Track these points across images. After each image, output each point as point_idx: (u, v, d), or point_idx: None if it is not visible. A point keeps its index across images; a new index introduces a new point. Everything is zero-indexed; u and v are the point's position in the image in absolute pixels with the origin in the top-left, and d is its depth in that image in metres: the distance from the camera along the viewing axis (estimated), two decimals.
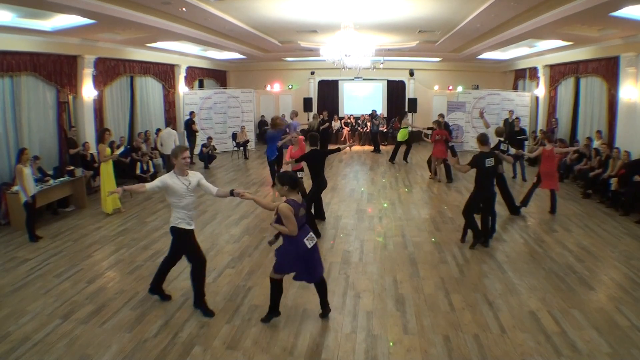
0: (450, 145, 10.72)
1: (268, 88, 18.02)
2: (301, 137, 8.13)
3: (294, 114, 12.46)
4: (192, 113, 13.40)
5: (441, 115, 11.93)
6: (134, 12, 7.17)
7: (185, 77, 14.32)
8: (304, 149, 7.50)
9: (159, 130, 12.29)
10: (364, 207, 8.34)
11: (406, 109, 15.95)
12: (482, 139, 6.18)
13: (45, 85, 8.83)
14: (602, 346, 3.87)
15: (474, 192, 6.27)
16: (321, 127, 13.60)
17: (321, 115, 14.59)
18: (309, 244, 4.07)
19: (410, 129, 12.78)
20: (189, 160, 4.34)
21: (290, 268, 4.15)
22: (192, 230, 4.41)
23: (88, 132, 9.77)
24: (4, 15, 6.91)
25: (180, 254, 4.57)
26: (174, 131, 11.12)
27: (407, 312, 4.49)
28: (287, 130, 10.59)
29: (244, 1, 7.64)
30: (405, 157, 12.97)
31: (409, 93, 17.85)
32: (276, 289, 4.25)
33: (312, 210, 6.95)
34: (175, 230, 4.35)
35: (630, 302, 4.67)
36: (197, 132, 13.48)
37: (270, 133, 9.32)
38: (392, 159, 12.92)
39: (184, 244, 4.40)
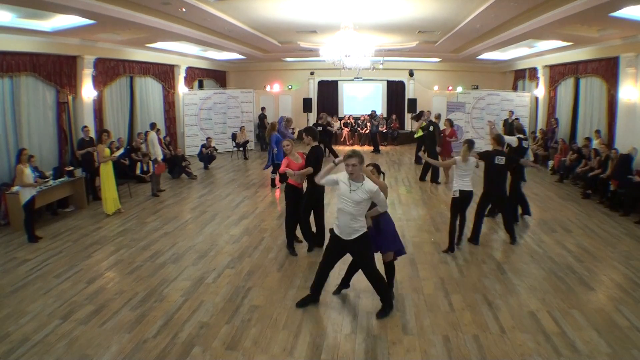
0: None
1: (268, 88, 18.04)
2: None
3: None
4: (263, 108, 15.88)
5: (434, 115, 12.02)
6: (134, 13, 7.18)
7: (185, 78, 14.32)
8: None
9: (147, 132, 10.82)
10: None
11: (406, 110, 15.87)
12: (498, 139, 6.42)
13: (45, 86, 8.83)
14: (601, 346, 3.87)
15: (483, 190, 6.38)
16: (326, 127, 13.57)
17: (320, 120, 13.96)
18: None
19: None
20: None
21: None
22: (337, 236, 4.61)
23: None
24: (4, 16, 6.91)
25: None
26: (155, 135, 10.13)
27: (406, 313, 4.49)
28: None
29: (244, 1, 7.64)
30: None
31: (409, 93, 17.86)
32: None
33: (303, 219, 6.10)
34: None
35: (630, 302, 4.67)
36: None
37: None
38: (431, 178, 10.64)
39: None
